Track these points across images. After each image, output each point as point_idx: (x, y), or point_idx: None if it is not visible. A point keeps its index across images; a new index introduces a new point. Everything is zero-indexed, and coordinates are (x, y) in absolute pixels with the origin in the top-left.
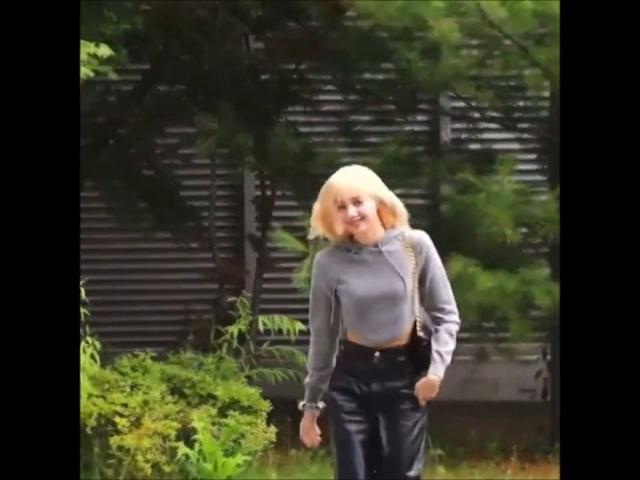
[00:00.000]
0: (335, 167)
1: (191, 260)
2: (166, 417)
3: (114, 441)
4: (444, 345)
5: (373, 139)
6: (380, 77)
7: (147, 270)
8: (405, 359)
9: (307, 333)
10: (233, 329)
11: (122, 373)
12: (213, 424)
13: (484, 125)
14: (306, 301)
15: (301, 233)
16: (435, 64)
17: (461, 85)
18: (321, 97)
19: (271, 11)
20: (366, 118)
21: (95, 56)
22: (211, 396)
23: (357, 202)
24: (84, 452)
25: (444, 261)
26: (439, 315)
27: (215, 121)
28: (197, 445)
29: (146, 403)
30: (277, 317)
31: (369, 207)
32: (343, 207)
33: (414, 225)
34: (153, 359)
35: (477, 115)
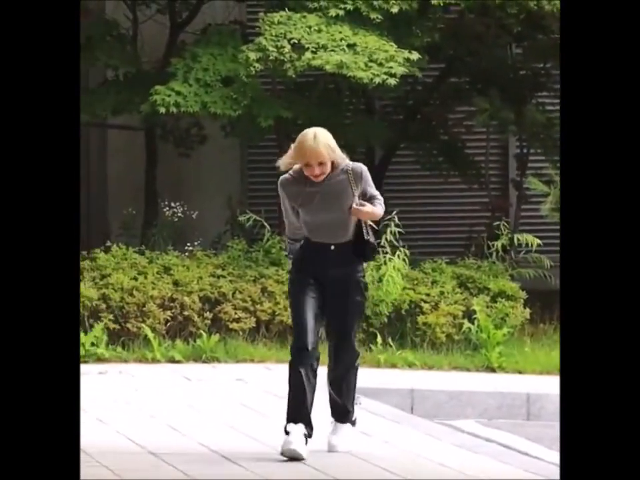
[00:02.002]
0: None
1: (472, 196)
2: (455, 302)
3: (420, 319)
4: (378, 206)
5: None
6: None
7: (443, 203)
8: (352, 251)
9: (540, 246)
10: (499, 243)
11: (425, 273)
12: (487, 307)
13: None
14: (549, 224)
15: (546, 177)
16: None
17: None
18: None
19: (526, 28)
20: None
21: (407, 59)
22: (486, 288)
23: (320, 163)
24: (401, 326)
25: None
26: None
27: (488, 102)
28: (476, 322)
29: (442, 293)
30: (525, 235)
31: (328, 166)
32: (309, 165)
33: None
34: (446, 263)
35: None
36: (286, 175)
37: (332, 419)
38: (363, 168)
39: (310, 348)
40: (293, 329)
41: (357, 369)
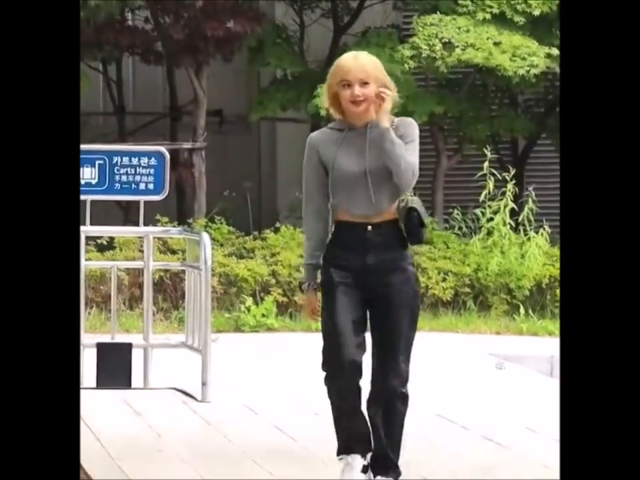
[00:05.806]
0: None
1: None
2: None
3: (557, 293)
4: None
5: None
6: None
7: None
8: (395, 231)
9: None
10: None
11: None
12: None
13: None
14: None
15: None
16: None
17: None
18: None
19: None
20: None
21: (548, 55)
22: None
23: (363, 83)
24: (541, 298)
25: None
26: None
27: None
28: None
29: None
30: None
31: (372, 90)
32: (349, 85)
33: None
34: None
35: None
36: (316, 131)
37: (367, 464)
38: (406, 121)
39: (347, 363)
40: (323, 342)
41: (404, 400)
